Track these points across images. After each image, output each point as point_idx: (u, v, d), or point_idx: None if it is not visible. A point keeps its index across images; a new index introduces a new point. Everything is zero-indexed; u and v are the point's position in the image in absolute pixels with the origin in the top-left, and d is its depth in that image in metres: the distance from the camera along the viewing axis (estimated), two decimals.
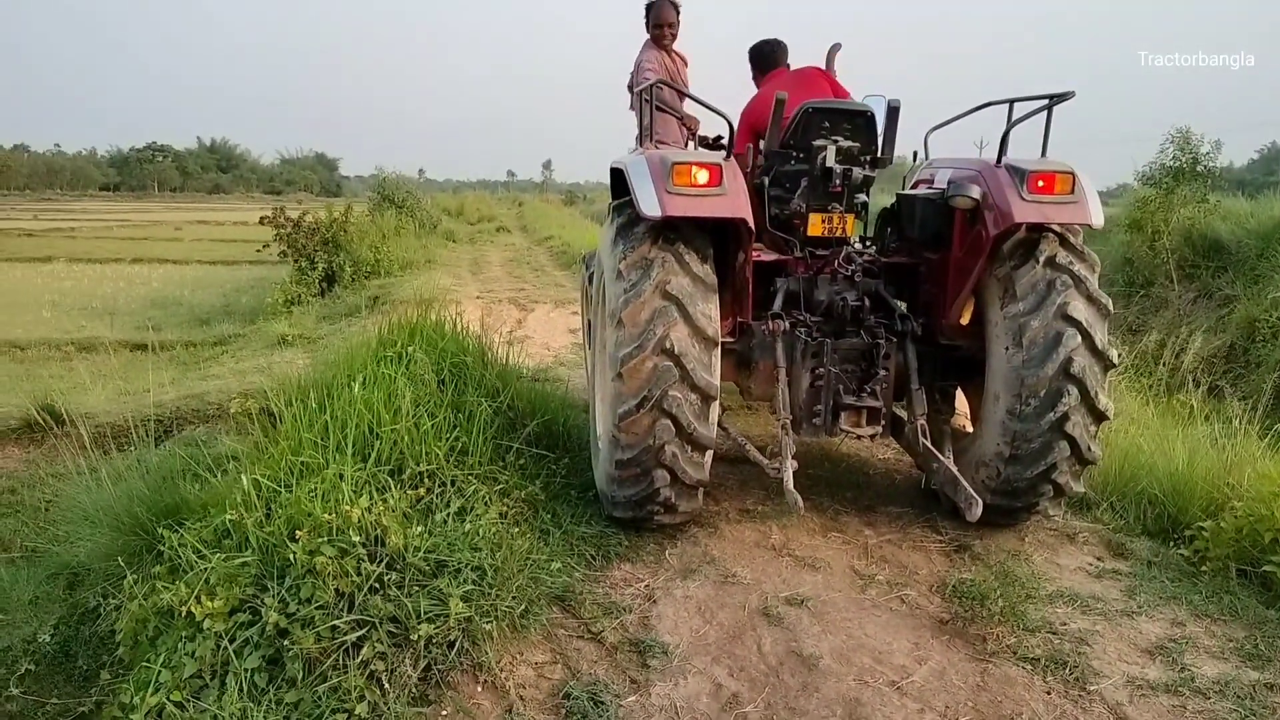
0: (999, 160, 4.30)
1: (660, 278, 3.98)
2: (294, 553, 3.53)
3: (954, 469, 4.36)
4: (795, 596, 4.03)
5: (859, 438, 4.49)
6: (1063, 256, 4.25)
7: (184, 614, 3.41)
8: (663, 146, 5.28)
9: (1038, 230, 4.30)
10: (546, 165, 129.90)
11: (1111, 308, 4.25)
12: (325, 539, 3.59)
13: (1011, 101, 4.50)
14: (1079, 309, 4.17)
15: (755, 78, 5.72)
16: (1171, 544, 4.71)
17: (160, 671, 3.26)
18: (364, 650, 3.34)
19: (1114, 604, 4.07)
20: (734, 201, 3.95)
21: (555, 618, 3.80)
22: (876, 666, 3.54)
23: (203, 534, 3.90)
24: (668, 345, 3.93)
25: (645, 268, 4.01)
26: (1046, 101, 4.15)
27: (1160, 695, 3.40)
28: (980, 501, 4.08)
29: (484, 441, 4.49)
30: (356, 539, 3.61)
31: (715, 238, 4.23)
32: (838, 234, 4.81)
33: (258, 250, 16.74)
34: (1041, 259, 4.23)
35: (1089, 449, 4.24)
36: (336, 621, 3.38)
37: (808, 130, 4.75)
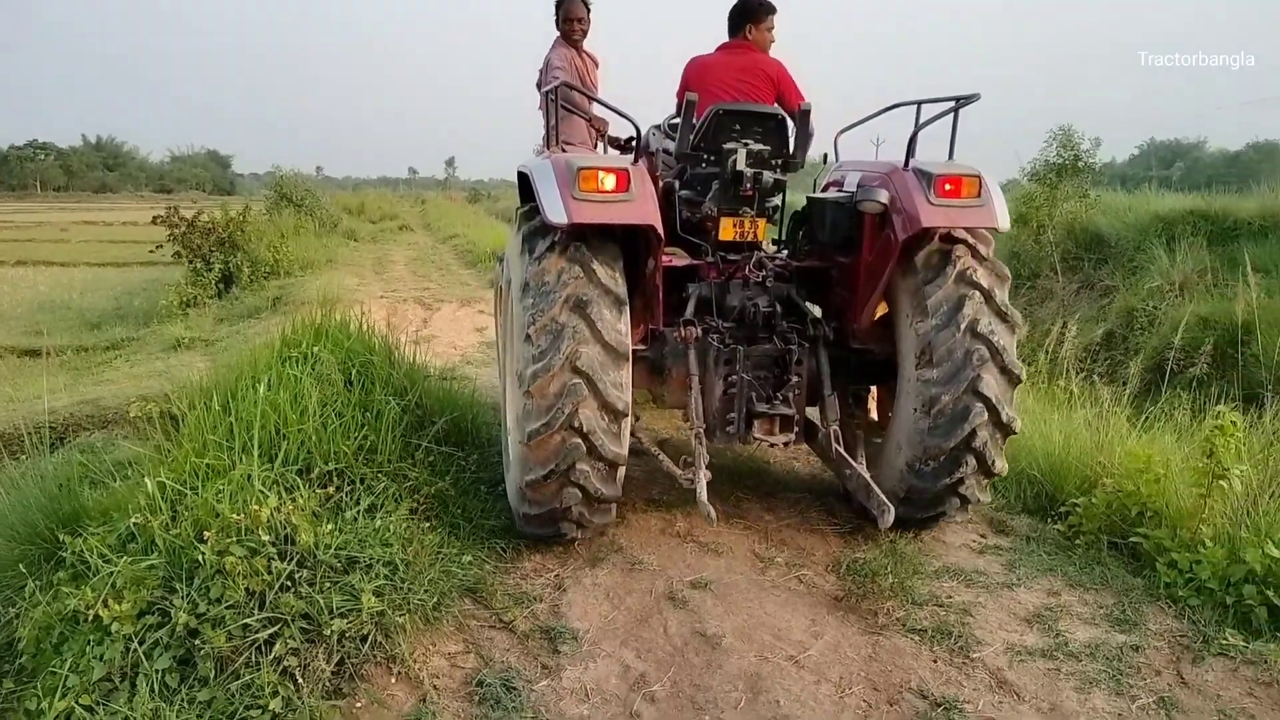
0: (906, 163, 4.31)
1: (568, 291, 3.87)
2: (203, 554, 3.54)
3: (867, 475, 4.32)
4: (699, 580, 4.20)
5: (772, 445, 4.46)
6: (973, 270, 4.23)
7: (90, 618, 3.40)
8: (570, 149, 5.23)
9: (948, 240, 4.32)
10: (450, 163, 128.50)
11: (1021, 321, 4.27)
12: (234, 539, 3.61)
13: (919, 103, 4.57)
14: (988, 325, 4.17)
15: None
16: (1049, 520, 5.04)
17: (67, 676, 3.25)
18: (276, 647, 3.38)
19: (995, 577, 4.35)
20: (642, 207, 3.85)
21: (467, 609, 3.89)
22: (776, 643, 3.72)
23: (106, 539, 3.87)
24: (577, 362, 3.83)
25: (553, 279, 3.91)
26: (953, 104, 4.20)
27: (1037, 660, 3.67)
28: (892, 510, 4.05)
29: (393, 439, 4.54)
30: (266, 538, 3.63)
31: (624, 244, 4.14)
32: (749, 239, 4.76)
33: (150, 251, 16.24)
34: (952, 274, 4.22)
35: (994, 462, 4.29)
36: (248, 620, 3.41)
37: (718, 132, 4.64)
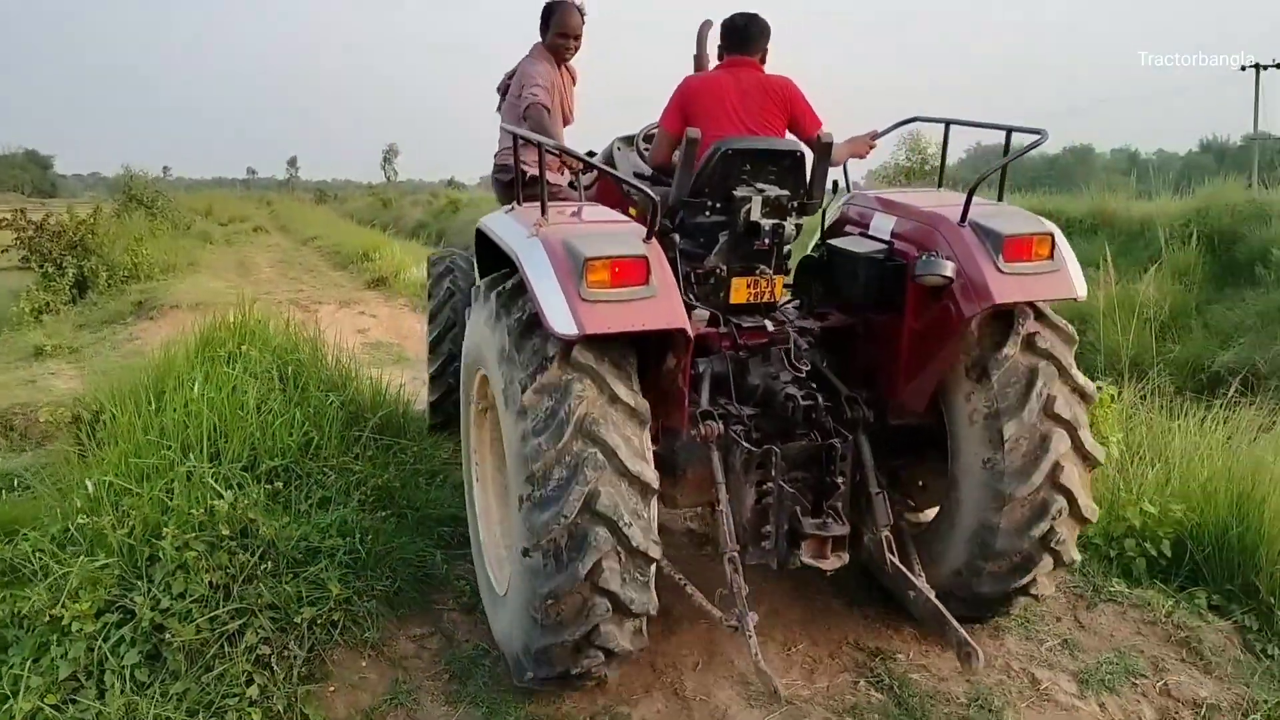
0: (963, 217, 3.53)
1: (579, 413, 3.01)
2: (163, 549, 3.56)
3: (937, 602, 3.51)
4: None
5: (825, 572, 3.53)
6: (1043, 337, 3.56)
7: (46, 619, 3.38)
8: (554, 207, 3.63)
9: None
10: (292, 163, 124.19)
11: (1094, 391, 3.68)
12: (193, 534, 3.63)
13: (948, 123, 4.05)
14: (1065, 404, 3.52)
15: (720, 55, 4.34)
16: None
17: (29, 677, 3.22)
18: (247, 636, 3.45)
19: None
20: (668, 305, 3.04)
21: (426, 594, 4.01)
22: None
23: (39, 543, 3.82)
24: (596, 505, 3.00)
25: (557, 401, 3.03)
26: (1019, 141, 3.66)
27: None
28: (980, 653, 3.27)
29: (334, 434, 4.59)
30: (226, 532, 3.67)
31: (639, 341, 3.23)
32: (765, 299, 3.94)
33: None
34: (1018, 340, 3.55)
35: (1071, 556, 3.67)
36: (216, 612, 3.46)
37: (726, 175, 3.78)
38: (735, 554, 3.40)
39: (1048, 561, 3.61)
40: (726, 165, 3.77)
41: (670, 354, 3.23)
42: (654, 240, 3.15)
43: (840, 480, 3.58)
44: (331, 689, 3.46)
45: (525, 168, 4.47)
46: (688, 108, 4.06)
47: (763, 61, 4.22)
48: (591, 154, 4.97)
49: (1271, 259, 11.63)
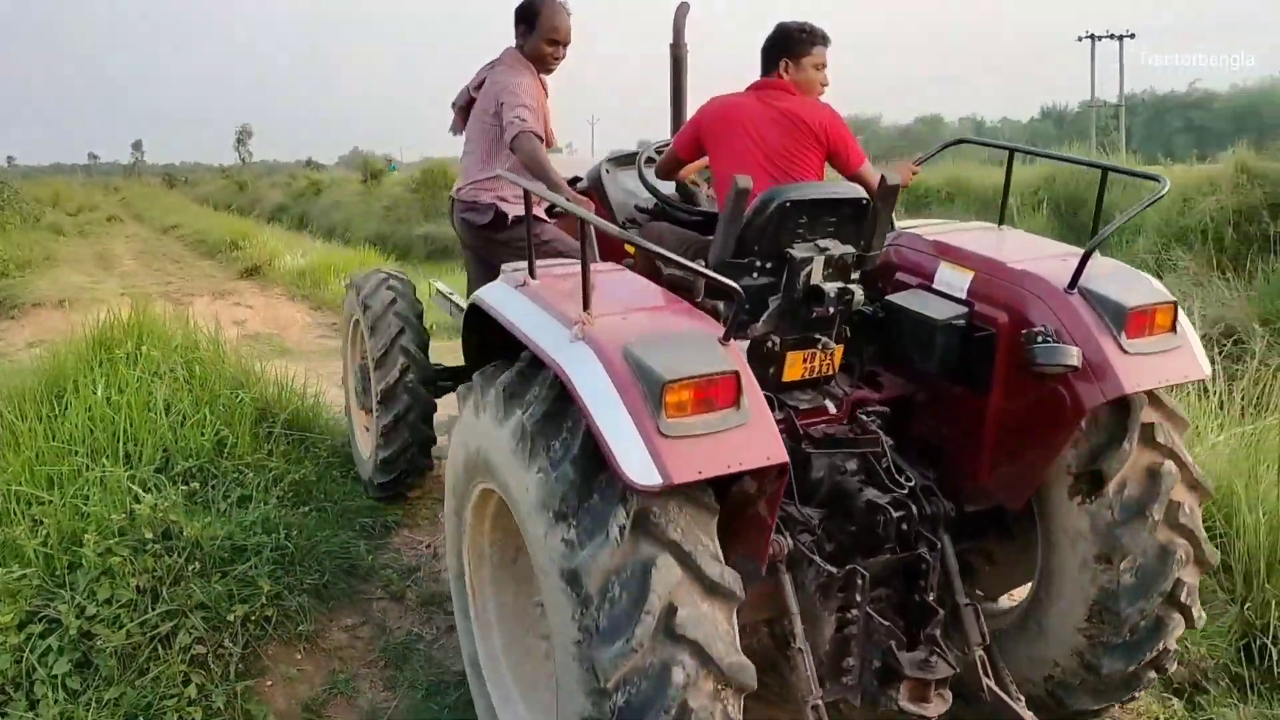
0: (1073, 283, 2.94)
1: (662, 602, 2.25)
2: (84, 556, 3.53)
3: None
4: None
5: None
6: (1162, 429, 3.00)
7: None
8: (560, 272, 2.99)
9: None
10: (137, 146, 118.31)
11: (1210, 487, 3.12)
12: (115, 539, 3.61)
13: (1011, 149, 3.70)
14: (1188, 510, 2.99)
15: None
16: None
17: None
18: (180, 637, 3.45)
19: None
20: (765, 432, 2.37)
21: (354, 585, 4.08)
22: None
23: None
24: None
25: (632, 590, 2.27)
26: (1116, 180, 3.18)
27: None
28: None
29: (246, 432, 4.57)
30: (149, 535, 3.66)
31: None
32: (823, 373, 3.27)
33: None
34: (1133, 433, 2.96)
35: (1174, 667, 3.22)
36: (146, 616, 3.46)
37: (780, 229, 3.09)
38: (819, 703, 2.73)
39: (1150, 676, 3.11)
40: (781, 219, 3.07)
41: (755, 486, 2.55)
42: (733, 345, 2.46)
43: (933, 599, 2.94)
44: (269, 683, 3.51)
45: (504, 206, 4.09)
46: (705, 134, 3.56)
47: (812, 88, 3.64)
48: (577, 179, 4.40)
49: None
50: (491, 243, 4.24)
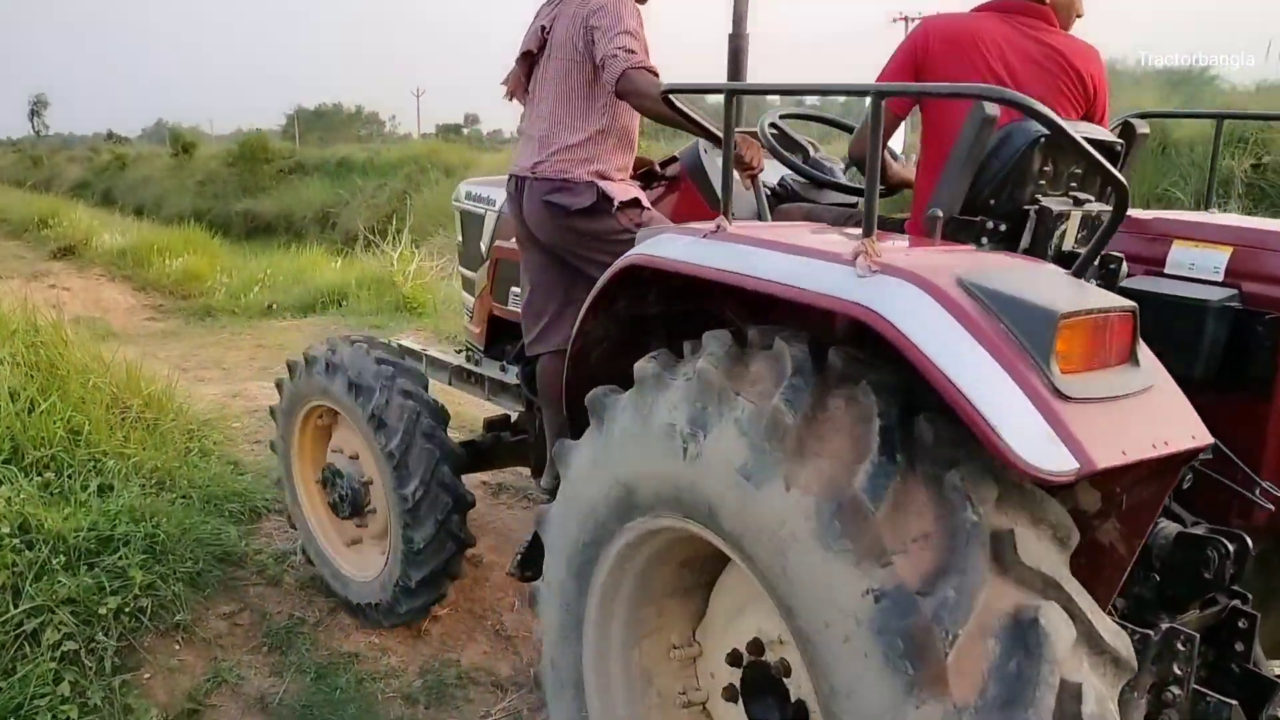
0: None
1: (1056, 687, 1.53)
2: None
3: None
4: None
5: None
6: None
7: None
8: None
9: None
10: None
11: None
12: None
13: (1221, 117, 3.14)
14: None
15: None
16: None
17: None
18: (48, 634, 3.31)
19: None
20: (1174, 398, 1.77)
21: (229, 572, 3.96)
22: None
23: None
24: None
25: (1017, 662, 1.54)
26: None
27: None
28: None
29: (100, 418, 4.35)
30: (4, 529, 3.47)
31: None
32: None
33: None
34: None
35: None
36: (9, 613, 3.29)
37: (1023, 178, 2.38)
38: None
39: None
40: (1025, 162, 2.36)
41: (1130, 489, 1.87)
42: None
43: (1255, 664, 2.30)
44: (148, 676, 3.40)
45: (606, 185, 3.03)
46: (926, 59, 2.62)
47: (1070, 13, 2.80)
48: (673, 160, 3.49)
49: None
50: (583, 236, 3.07)
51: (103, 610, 3.41)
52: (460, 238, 4.28)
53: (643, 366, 2.08)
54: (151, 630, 3.52)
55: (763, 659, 2.10)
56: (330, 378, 3.57)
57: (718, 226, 2.13)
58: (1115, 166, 2.28)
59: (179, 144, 38.30)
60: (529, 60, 3.24)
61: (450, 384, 4.21)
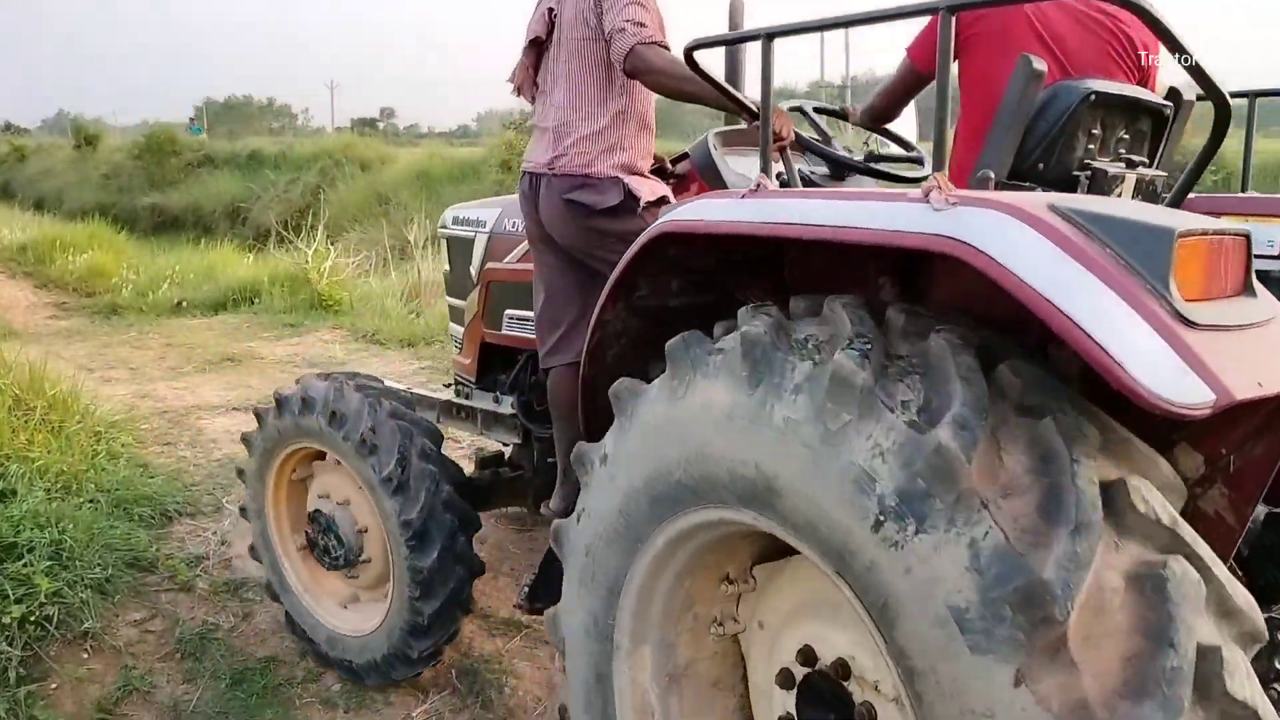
0: None
1: (1194, 656, 1.31)
2: None
3: None
4: None
5: None
6: None
7: None
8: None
9: None
10: None
11: None
12: None
13: (1254, 95, 2.98)
14: None
15: None
16: None
17: None
18: None
19: None
20: None
21: (139, 578, 3.88)
22: None
23: None
24: None
25: (1149, 611, 1.35)
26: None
27: None
28: None
29: (2, 420, 4.21)
30: None
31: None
32: None
33: None
34: None
35: None
36: None
37: (1073, 136, 2.27)
38: None
39: None
40: (1074, 124, 2.23)
41: (1239, 437, 1.72)
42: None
43: None
44: (54, 686, 3.31)
45: (632, 182, 2.81)
46: (964, 19, 2.49)
47: None
48: (684, 156, 3.26)
49: None
50: (605, 237, 2.80)
51: (6, 619, 3.32)
52: (448, 266, 4.04)
53: (676, 344, 1.91)
54: (58, 639, 3.43)
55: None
56: (310, 415, 3.24)
57: (758, 185, 1.97)
58: (1158, 134, 2.39)
59: (81, 136, 36.90)
60: (537, 48, 2.99)
61: (439, 421, 3.73)
